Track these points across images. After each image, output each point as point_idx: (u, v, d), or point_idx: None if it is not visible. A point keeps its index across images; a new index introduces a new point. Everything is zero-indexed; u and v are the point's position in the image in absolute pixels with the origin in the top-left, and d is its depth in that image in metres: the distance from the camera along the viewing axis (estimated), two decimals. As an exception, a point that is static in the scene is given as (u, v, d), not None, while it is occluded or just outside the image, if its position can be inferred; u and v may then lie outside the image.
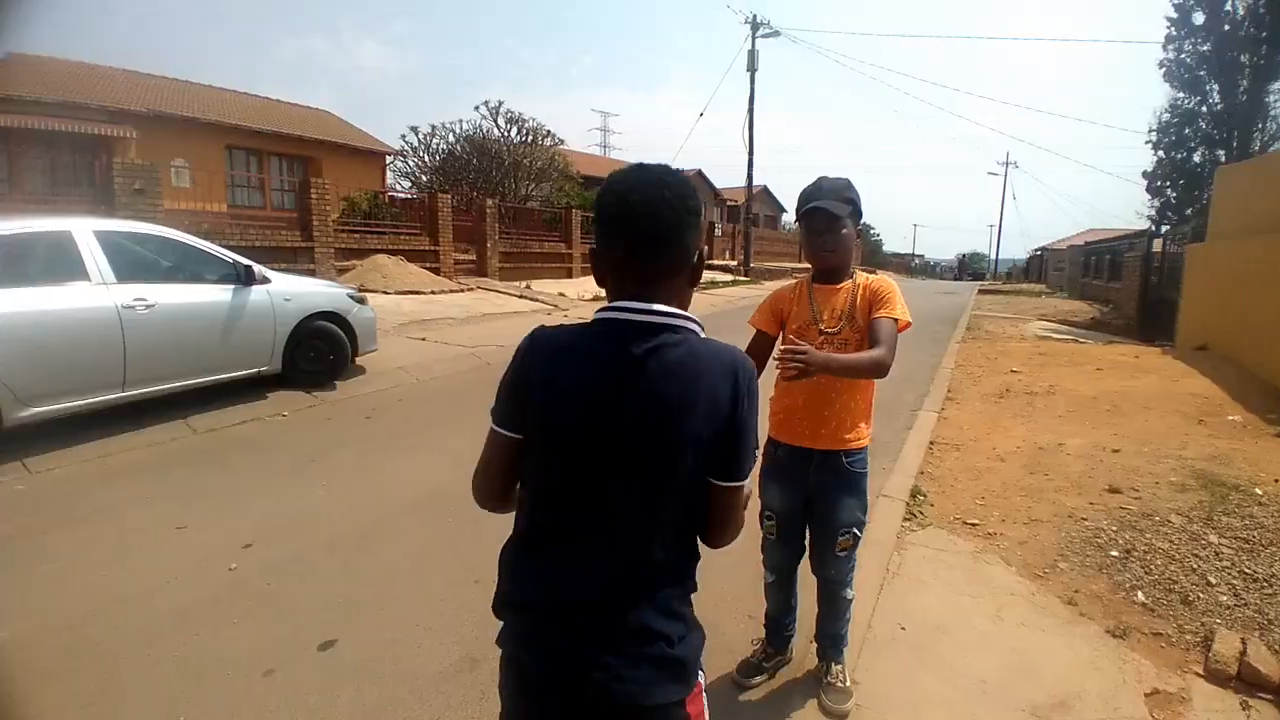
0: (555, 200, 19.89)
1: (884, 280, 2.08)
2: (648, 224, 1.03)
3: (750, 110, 21.45)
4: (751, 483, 1.11)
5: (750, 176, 22.01)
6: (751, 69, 21.63)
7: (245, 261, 5.82)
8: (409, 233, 14.33)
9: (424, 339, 9.30)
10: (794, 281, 2.22)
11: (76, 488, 3.98)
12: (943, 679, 2.35)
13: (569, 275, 17.56)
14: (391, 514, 3.70)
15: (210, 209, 13.98)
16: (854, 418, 2.09)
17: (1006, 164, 53.62)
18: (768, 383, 2.10)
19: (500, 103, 19.71)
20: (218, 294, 5.56)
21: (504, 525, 1.15)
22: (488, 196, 16.20)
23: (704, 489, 1.05)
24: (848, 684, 2.20)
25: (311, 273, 11.56)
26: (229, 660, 2.43)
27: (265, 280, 5.93)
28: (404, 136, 21.27)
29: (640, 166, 1.09)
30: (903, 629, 2.62)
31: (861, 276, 2.10)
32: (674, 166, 1.10)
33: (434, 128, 20.53)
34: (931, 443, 4.92)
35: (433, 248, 14.08)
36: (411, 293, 12.16)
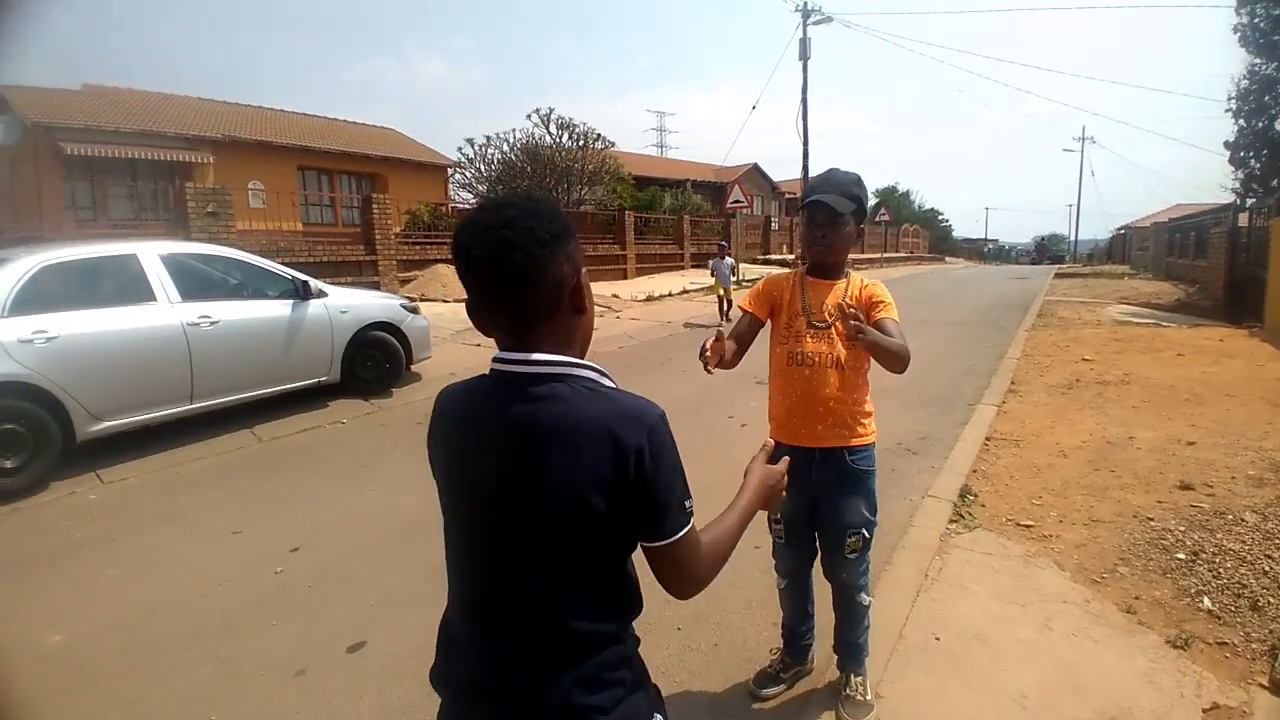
0: (608, 203, 20.04)
1: (879, 283, 2.04)
2: (497, 274, 0.92)
3: (804, 100, 20.94)
4: (697, 531, 0.98)
5: (805, 167, 21.48)
6: (804, 58, 21.11)
7: (302, 277, 6.09)
8: (466, 242, 14.70)
9: (479, 345, 9.50)
10: (789, 270, 2.15)
11: (144, 496, 4.25)
12: (978, 693, 2.20)
13: (624, 277, 17.64)
14: (432, 519, 3.69)
15: (284, 228, 14.72)
16: (851, 413, 1.99)
17: (1083, 139, 50.61)
18: (750, 369, 2.03)
19: (551, 110, 20.09)
20: (277, 309, 5.82)
21: None
22: (540, 203, 16.43)
23: (625, 548, 0.97)
24: (868, 697, 2.09)
25: (376, 285, 12.05)
26: (265, 661, 2.54)
27: (322, 294, 6.19)
28: (460, 149, 21.87)
29: (482, 208, 0.97)
30: (937, 639, 2.48)
31: (856, 276, 2.03)
32: (522, 197, 0.96)
33: (489, 138, 21.10)
34: (988, 438, 4.66)
35: (489, 255, 14.40)
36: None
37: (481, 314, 0.97)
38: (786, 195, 32.97)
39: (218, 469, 4.82)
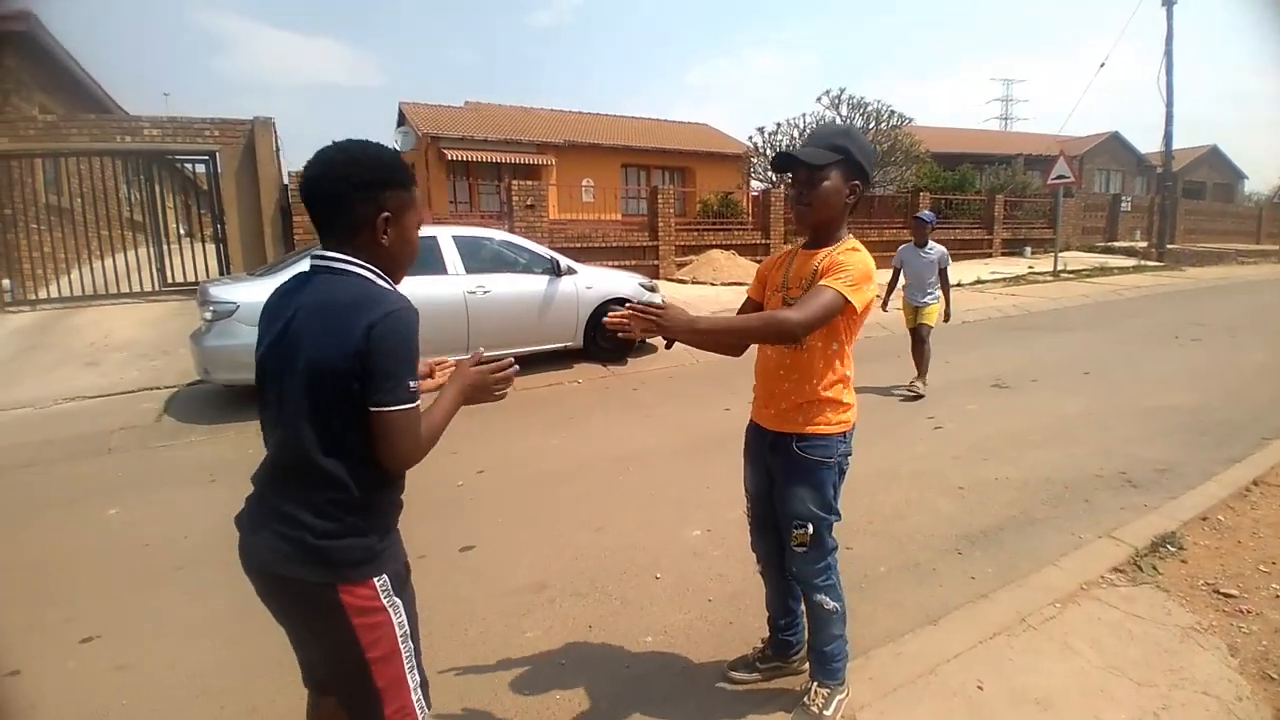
0: (913, 183, 18.40)
1: (856, 254, 1.77)
2: (311, 196, 1.26)
3: (1167, 52, 16.22)
4: (419, 414, 1.21)
5: (1169, 134, 16.71)
6: (1168, 2, 16.42)
7: (558, 257, 7.15)
8: (742, 228, 15.12)
9: (726, 326, 9.85)
10: (792, 247, 2.00)
11: None
12: (987, 753, 1.84)
13: (912, 265, 16.13)
14: (586, 465, 4.29)
15: (606, 219, 16.70)
16: (807, 400, 1.82)
17: None
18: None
19: (842, 90, 19.07)
20: (536, 283, 6.94)
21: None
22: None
23: (362, 412, 1.18)
24: (828, 712, 1.90)
25: (655, 268, 13.23)
26: (428, 544, 3.20)
27: (572, 272, 7.18)
28: (750, 137, 22.20)
29: (330, 145, 1.27)
30: (980, 688, 2.08)
31: (842, 245, 1.80)
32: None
33: (779, 125, 20.98)
34: (1256, 482, 3.43)
35: (764, 241, 14.61)
36: (736, 284, 12.89)
37: (313, 224, 1.32)
38: (1158, 169, 26.34)
39: (483, 407, 5.94)
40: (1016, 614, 2.44)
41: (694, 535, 3.25)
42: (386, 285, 1.28)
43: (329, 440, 1.21)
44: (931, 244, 5.88)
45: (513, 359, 1.43)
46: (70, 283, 8.46)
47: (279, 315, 1.28)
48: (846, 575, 2.78)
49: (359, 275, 1.25)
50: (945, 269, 5.87)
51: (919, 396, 5.60)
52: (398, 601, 1.31)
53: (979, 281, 13.09)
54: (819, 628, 1.95)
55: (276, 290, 1.35)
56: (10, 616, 2.74)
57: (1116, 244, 19.00)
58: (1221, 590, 2.51)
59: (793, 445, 1.85)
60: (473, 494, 3.88)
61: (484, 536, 3.32)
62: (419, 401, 1.21)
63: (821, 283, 1.70)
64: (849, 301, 1.67)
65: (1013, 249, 17.85)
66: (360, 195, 1.24)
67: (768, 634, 2.21)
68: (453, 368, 1.60)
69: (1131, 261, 16.69)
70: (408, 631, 1.33)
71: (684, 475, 3.99)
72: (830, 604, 1.92)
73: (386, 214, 1.26)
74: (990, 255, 17.34)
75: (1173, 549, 2.82)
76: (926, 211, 6.15)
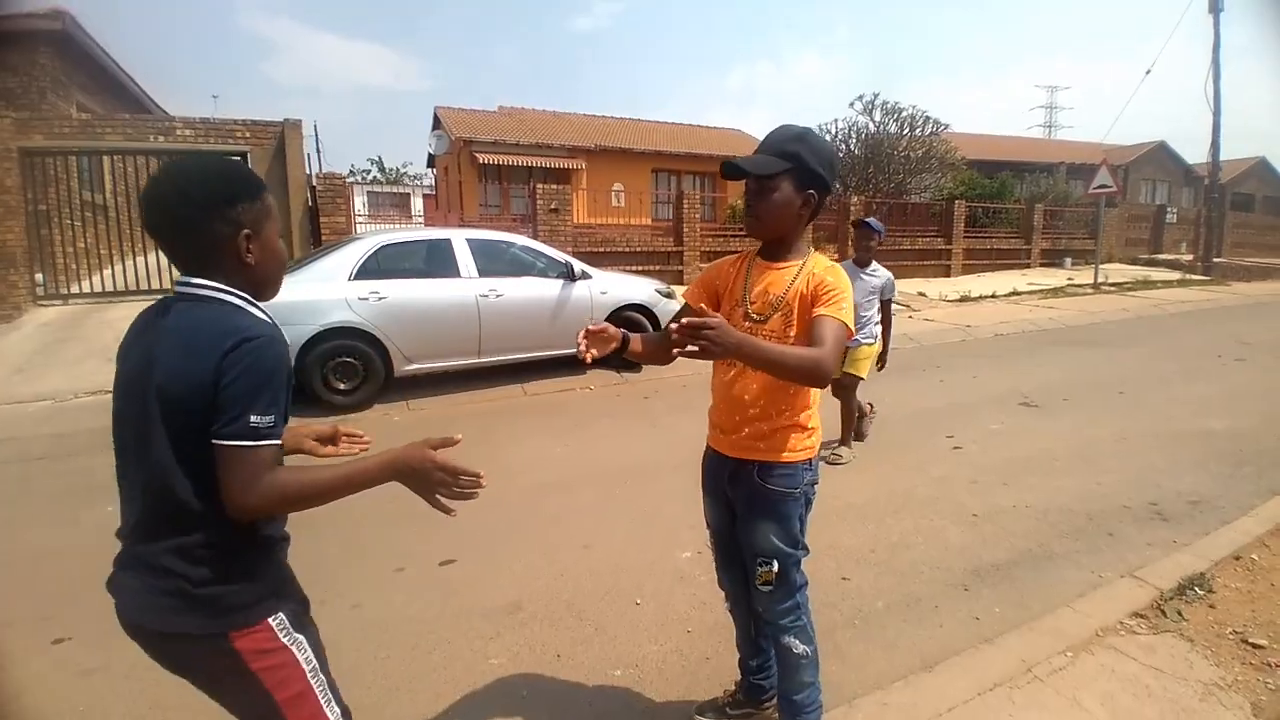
0: (948, 190, 17.90)
1: (838, 272, 1.65)
2: (152, 219, 1.13)
3: (1215, 61, 15.55)
4: (264, 453, 1.05)
5: (1216, 143, 15.96)
6: (1215, 10, 15.75)
7: (572, 261, 7.06)
8: (769, 234, 14.87)
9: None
10: (742, 252, 1.84)
11: (432, 425, 5.48)
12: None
13: (946, 274, 15.64)
14: (585, 477, 4.18)
15: (635, 223, 16.63)
16: (773, 426, 1.66)
17: None
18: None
19: (875, 95, 18.53)
20: (549, 287, 6.84)
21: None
22: (855, 194, 15.61)
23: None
24: (796, 763, 1.75)
25: (680, 274, 13.07)
26: (385, 550, 3.18)
27: (586, 276, 7.07)
28: (781, 143, 21.77)
29: (168, 164, 1.16)
30: (972, 743, 1.90)
31: (816, 261, 1.66)
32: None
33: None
34: None
35: (791, 248, 14.33)
36: (761, 291, 12.68)
37: (167, 255, 1.18)
38: (1206, 180, 25.33)
39: (492, 411, 5.94)
40: (1022, 662, 2.24)
41: (683, 557, 3.10)
42: (254, 312, 1.15)
43: (194, 479, 1.09)
44: (876, 266, 4.43)
45: (481, 474, 1.19)
46: (104, 278, 8.66)
47: (132, 351, 1.16)
48: (840, 609, 2.64)
49: (221, 301, 1.13)
50: (889, 301, 4.50)
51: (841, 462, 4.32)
52: (300, 638, 1.21)
53: (1015, 293, 12.64)
54: (788, 674, 1.79)
55: (132, 325, 1.22)
56: (-11, 615, 2.73)
57: (1161, 256, 18.22)
58: (1250, 640, 2.27)
59: (755, 475, 1.69)
60: (463, 503, 3.77)
61: (467, 550, 3.21)
62: (265, 444, 1.05)
63: (821, 312, 1.57)
64: (850, 330, 1.59)
65: (1052, 260, 17.27)
66: (211, 215, 1.12)
67: (739, 676, 2.05)
68: (366, 444, 1.44)
69: (1176, 275, 15.96)
70: (316, 666, 1.23)
71: (683, 491, 3.79)
72: (800, 648, 1.75)
73: (246, 231, 1.14)
74: (1029, 266, 16.78)
75: (1201, 592, 2.57)
76: (873, 219, 4.56)
